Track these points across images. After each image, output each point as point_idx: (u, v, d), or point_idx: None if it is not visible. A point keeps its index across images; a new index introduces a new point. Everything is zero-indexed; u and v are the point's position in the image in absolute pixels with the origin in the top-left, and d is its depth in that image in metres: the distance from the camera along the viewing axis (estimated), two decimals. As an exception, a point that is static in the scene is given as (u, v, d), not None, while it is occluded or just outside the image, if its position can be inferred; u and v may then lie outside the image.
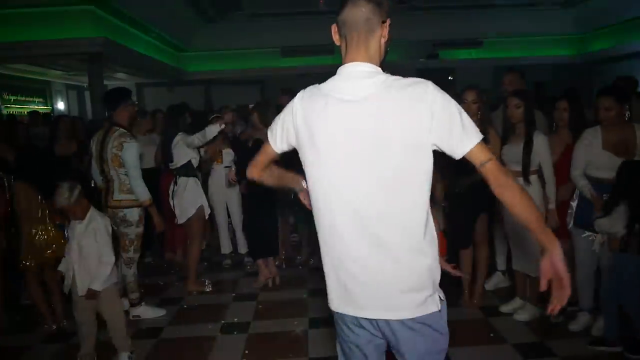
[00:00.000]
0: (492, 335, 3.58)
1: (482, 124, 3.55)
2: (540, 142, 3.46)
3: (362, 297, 1.55)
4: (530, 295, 3.80)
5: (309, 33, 11.87)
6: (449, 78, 13.28)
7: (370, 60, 1.55)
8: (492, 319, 3.81)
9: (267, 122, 4.08)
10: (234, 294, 4.63)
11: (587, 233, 3.34)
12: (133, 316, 4.08)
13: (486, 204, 3.71)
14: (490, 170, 1.47)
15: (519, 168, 3.51)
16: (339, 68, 1.60)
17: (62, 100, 12.67)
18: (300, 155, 1.63)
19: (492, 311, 3.93)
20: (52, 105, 12.19)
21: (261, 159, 1.81)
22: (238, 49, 12.34)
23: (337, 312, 1.65)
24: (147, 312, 4.16)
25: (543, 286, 1.49)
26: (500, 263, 4.49)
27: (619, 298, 3.12)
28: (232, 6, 10.50)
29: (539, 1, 10.94)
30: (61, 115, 5.95)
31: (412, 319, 1.51)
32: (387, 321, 1.54)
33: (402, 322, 1.52)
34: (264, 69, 12.89)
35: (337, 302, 1.63)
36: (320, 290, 4.58)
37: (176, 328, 3.99)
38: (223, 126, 4.49)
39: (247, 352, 3.52)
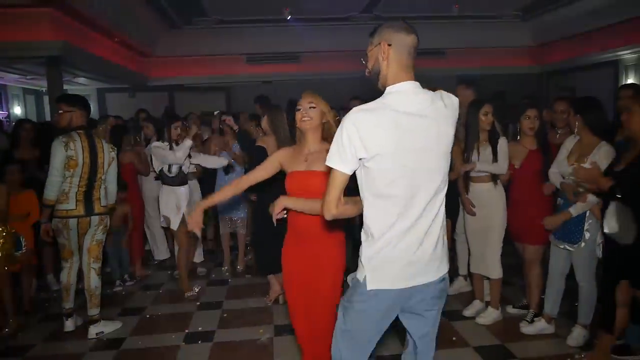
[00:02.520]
0: (454, 339, 3.64)
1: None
2: (503, 145, 3.69)
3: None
4: (491, 298, 3.90)
5: (274, 41, 11.88)
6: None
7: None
8: (455, 323, 3.89)
9: (277, 128, 4.08)
10: (198, 303, 4.57)
11: (563, 246, 3.42)
12: (97, 334, 3.92)
13: (449, 210, 3.78)
14: None
15: (486, 172, 3.75)
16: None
17: (18, 105, 12.26)
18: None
19: (455, 315, 4.01)
20: (8, 110, 11.79)
21: (338, 192, 1.87)
22: (202, 55, 12.22)
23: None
24: (108, 327, 4.02)
25: None
26: (462, 268, 4.57)
27: None
28: (197, 12, 10.39)
29: (499, 14, 11.25)
30: (22, 120, 5.77)
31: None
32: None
33: None
34: (229, 76, 12.81)
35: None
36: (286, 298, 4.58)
37: (138, 338, 3.90)
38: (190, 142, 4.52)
39: (211, 361, 3.48)
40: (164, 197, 4.62)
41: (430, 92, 1.88)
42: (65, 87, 9.96)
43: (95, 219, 3.87)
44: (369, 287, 1.87)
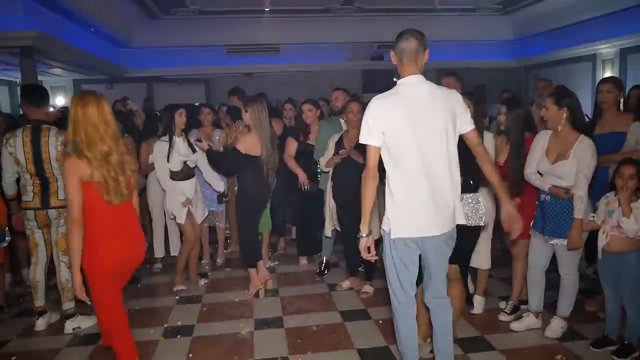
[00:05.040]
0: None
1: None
2: (488, 139, 3.56)
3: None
4: (478, 288, 3.93)
5: (254, 32, 11.78)
6: (394, 79, 13.51)
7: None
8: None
9: (261, 122, 4.13)
10: (177, 297, 4.52)
11: (554, 241, 3.38)
12: (74, 329, 3.86)
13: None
14: None
15: None
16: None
17: (-8, 96, 11.98)
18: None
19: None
20: (-21, 101, 11.51)
21: (375, 161, 2.53)
22: (182, 46, 12.06)
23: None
24: (85, 322, 3.95)
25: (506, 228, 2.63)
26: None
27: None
28: (176, 2, 10.24)
29: (478, 7, 11.32)
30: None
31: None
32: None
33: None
34: (209, 67, 12.67)
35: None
36: (266, 291, 4.58)
37: (116, 333, 3.83)
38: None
39: (191, 355, 3.44)
40: (168, 192, 4.53)
41: (432, 83, 2.53)
42: (40, 78, 9.76)
43: (52, 212, 3.78)
44: (392, 236, 2.52)
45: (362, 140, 2.51)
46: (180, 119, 4.47)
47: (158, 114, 4.66)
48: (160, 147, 4.46)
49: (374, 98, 2.53)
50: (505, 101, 3.83)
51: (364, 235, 2.57)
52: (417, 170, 2.45)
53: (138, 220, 2.86)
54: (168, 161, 4.42)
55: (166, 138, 4.45)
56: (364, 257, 2.61)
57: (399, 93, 2.50)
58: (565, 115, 3.26)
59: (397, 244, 2.54)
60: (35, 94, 3.88)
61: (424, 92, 2.49)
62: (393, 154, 2.47)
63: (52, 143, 3.71)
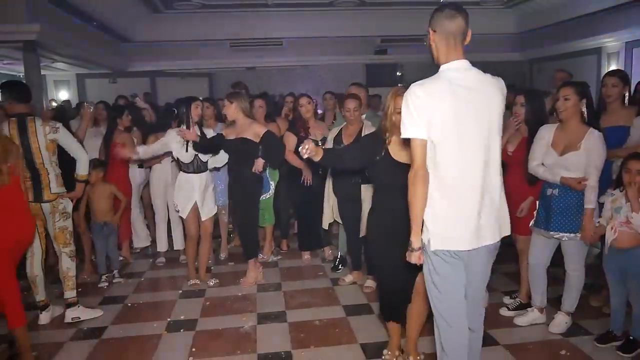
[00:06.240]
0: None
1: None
2: None
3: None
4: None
5: (258, 26, 11.74)
6: (398, 73, 13.48)
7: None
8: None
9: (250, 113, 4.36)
10: (180, 291, 4.52)
11: (560, 235, 3.34)
12: (72, 318, 3.88)
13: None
14: None
15: None
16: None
17: (-5, 90, 12.01)
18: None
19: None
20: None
21: (423, 157, 2.09)
22: (185, 41, 12.04)
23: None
24: (86, 313, 3.97)
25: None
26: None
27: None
28: (179, -4, 10.23)
29: (483, 1, 11.24)
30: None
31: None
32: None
33: None
34: (212, 62, 12.65)
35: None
36: (269, 285, 4.60)
37: (119, 327, 3.84)
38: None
39: (194, 349, 3.44)
40: (177, 184, 4.52)
41: (479, 70, 2.17)
42: (43, 72, 9.79)
43: (46, 206, 3.79)
44: (432, 248, 2.12)
45: (405, 135, 2.12)
46: (195, 110, 4.49)
47: (175, 110, 4.65)
48: (173, 136, 4.43)
49: (413, 85, 2.10)
50: (524, 93, 3.78)
51: (416, 248, 2.18)
52: (466, 170, 2.09)
53: (25, 203, 3.19)
54: (187, 151, 4.42)
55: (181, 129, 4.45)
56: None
57: (447, 80, 2.09)
58: (583, 108, 3.24)
59: (435, 260, 2.16)
60: (19, 88, 3.88)
61: (475, 81, 2.13)
62: (439, 152, 2.08)
63: (40, 132, 3.72)
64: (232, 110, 4.36)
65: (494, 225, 2.18)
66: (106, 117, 5.53)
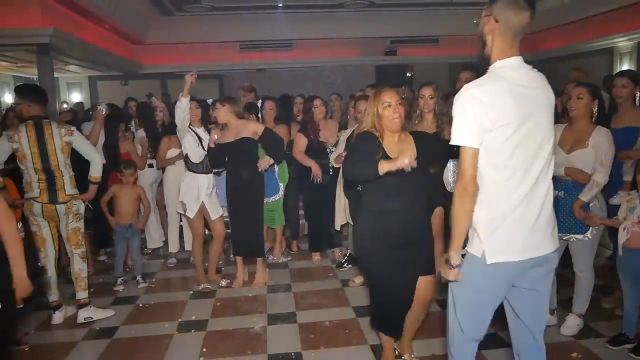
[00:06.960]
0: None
1: (438, 119, 3.74)
2: None
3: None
4: None
5: (268, 28, 11.77)
6: (407, 74, 13.45)
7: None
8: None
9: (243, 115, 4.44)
10: (191, 292, 4.55)
11: (568, 237, 3.33)
12: (85, 318, 3.93)
13: (442, 197, 3.76)
14: None
15: None
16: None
17: (9, 93, 12.15)
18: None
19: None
20: (-3, 98, 11.69)
21: (474, 168, 1.88)
22: (195, 42, 12.11)
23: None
24: (98, 313, 4.02)
25: None
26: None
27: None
28: (190, -1, 10.29)
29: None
30: (9, 108, 5.72)
31: None
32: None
33: None
34: (222, 64, 12.70)
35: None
36: (279, 286, 4.61)
37: (131, 327, 3.88)
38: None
39: (205, 350, 3.47)
40: (185, 184, 4.54)
41: (530, 66, 1.97)
42: (56, 74, 9.87)
43: (61, 208, 3.83)
44: (488, 262, 1.90)
45: (455, 141, 1.89)
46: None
47: None
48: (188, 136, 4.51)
49: (471, 87, 1.88)
50: None
51: (455, 265, 1.99)
52: (526, 178, 1.90)
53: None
54: (204, 149, 4.48)
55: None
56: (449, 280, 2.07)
57: (504, 79, 1.88)
58: (595, 108, 3.22)
59: (491, 274, 1.95)
60: (36, 91, 3.95)
61: (531, 79, 1.94)
62: (497, 155, 1.88)
63: (56, 135, 3.77)
64: (222, 112, 4.38)
65: (552, 235, 2.00)
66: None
